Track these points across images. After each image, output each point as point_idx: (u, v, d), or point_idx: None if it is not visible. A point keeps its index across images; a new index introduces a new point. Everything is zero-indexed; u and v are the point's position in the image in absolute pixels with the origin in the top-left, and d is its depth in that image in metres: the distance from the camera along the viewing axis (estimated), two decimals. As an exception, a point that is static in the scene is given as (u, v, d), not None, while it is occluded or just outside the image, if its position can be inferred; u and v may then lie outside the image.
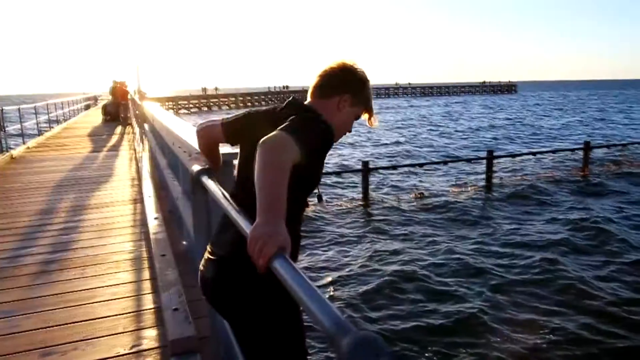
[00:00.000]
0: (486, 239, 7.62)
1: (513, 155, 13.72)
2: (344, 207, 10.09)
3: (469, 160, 12.96)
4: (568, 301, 5.32)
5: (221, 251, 1.34)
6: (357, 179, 11.47)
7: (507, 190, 10.94)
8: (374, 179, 11.53)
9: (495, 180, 11.69)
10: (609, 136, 20.96)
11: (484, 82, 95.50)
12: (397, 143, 20.04)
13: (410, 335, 4.60)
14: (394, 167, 12.68)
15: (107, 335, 2.02)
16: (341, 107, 1.50)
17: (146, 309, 2.25)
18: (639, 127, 25.47)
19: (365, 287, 5.88)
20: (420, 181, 12.17)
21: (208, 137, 1.60)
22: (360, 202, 10.51)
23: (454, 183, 11.92)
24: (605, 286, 5.69)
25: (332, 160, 16.49)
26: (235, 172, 1.46)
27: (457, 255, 6.79)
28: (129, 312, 2.23)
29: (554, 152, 13.86)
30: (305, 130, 1.22)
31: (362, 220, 9.26)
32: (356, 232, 8.37)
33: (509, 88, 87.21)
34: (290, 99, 1.49)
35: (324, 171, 1.61)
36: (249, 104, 58.81)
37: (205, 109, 53.04)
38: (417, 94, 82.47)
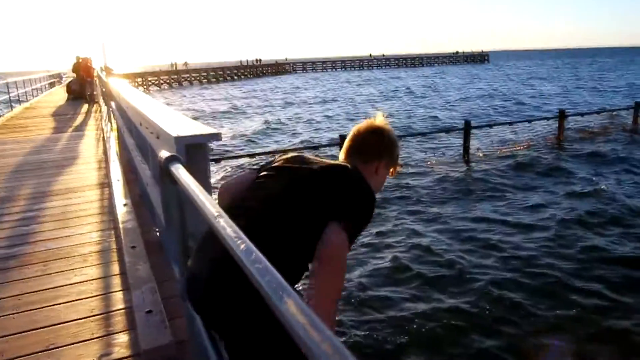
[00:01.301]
0: (462, 211, 7.57)
1: (490, 125, 13.70)
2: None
3: (447, 131, 12.88)
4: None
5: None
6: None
7: (484, 161, 10.93)
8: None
9: (472, 151, 11.65)
10: (585, 104, 21.20)
11: (457, 52, 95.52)
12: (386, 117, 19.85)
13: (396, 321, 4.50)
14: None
15: (72, 344, 1.80)
16: (379, 172, 1.65)
17: (116, 310, 2.02)
18: (613, 93, 25.79)
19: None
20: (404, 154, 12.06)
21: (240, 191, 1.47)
22: None
23: (432, 154, 11.86)
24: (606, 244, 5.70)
25: (324, 134, 16.28)
26: (257, 178, 1.47)
27: (437, 229, 6.72)
28: (98, 315, 2.00)
29: (529, 121, 13.89)
30: (361, 218, 1.39)
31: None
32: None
33: (481, 58, 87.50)
34: (337, 167, 1.50)
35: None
36: (221, 78, 57.55)
37: (176, 84, 51.71)
38: (391, 65, 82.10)
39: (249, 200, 1.40)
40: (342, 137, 10.69)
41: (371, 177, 1.63)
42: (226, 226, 0.73)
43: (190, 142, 1.57)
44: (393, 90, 33.78)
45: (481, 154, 11.73)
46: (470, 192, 8.59)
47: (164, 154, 1.27)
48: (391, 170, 1.73)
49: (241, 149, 13.80)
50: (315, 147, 12.14)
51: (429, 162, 11.13)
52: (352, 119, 19.00)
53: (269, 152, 11.70)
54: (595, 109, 15.96)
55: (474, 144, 12.03)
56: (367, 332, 4.15)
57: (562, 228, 6.48)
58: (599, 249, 5.80)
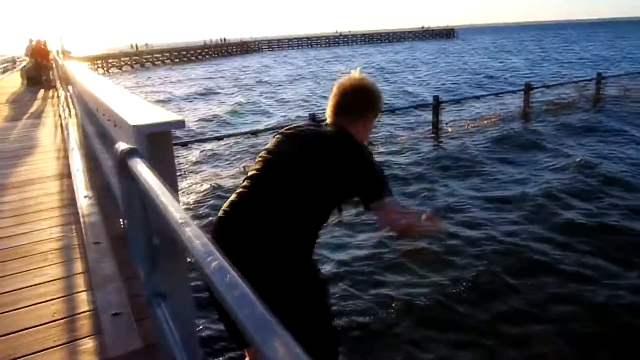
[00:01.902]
0: (433, 187, 7.59)
1: (458, 101, 13.76)
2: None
3: (416, 107, 12.88)
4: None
5: (276, 256, 1.61)
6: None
7: (454, 136, 10.99)
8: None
9: (442, 126, 11.69)
10: (551, 76, 21.52)
11: (423, 27, 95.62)
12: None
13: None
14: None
15: (33, 353, 1.66)
16: (367, 125, 1.85)
17: (81, 313, 1.88)
18: (579, 65, 26.26)
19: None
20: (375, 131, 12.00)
21: None
22: None
23: (402, 131, 11.85)
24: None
25: (296, 113, 16.03)
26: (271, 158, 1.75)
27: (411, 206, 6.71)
28: (60, 319, 1.86)
29: (497, 94, 14.02)
30: (379, 175, 1.74)
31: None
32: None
33: (448, 33, 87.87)
34: (330, 128, 1.83)
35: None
36: (185, 59, 56.08)
37: (138, 66, 50.14)
38: (358, 42, 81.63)
39: (264, 169, 1.73)
40: (312, 116, 10.55)
41: (360, 131, 1.80)
42: (193, 237, 0.62)
43: (151, 131, 1.43)
44: (363, 67, 33.54)
45: (450, 129, 11.78)
46: (442, 168, 8.62)
47: (121, 146, 1.13)
48: (376, 119, 1.90)
49: (214, 131, 13.48)
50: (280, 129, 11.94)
51: (399, 139, 11.12)
52: (324, 97, 18.79)
53: (242, 133, 11.46)
54: (561, 81, 16.21)
55: (443, 119, 12.07)
56: (353, 309, 4.11)
57: (541, 201, 6.55)
58: (580, 220, 5.88)
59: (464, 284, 4.58)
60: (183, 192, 8.15)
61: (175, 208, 0.71)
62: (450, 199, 7.02)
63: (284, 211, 1.66)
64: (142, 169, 0.94)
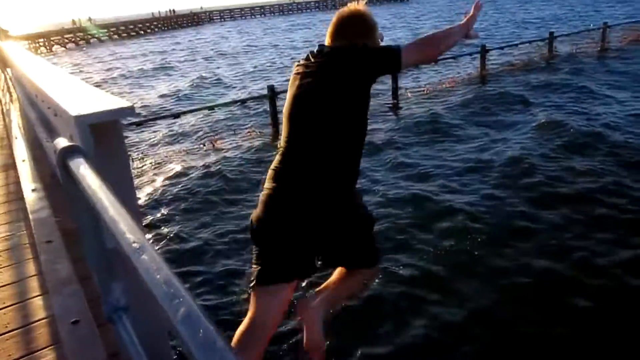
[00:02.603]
0: (402, 155, 7.58)
1: (415, 66, 13.70)
2: (254, 137, 9.65)
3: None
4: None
5: (336, 196, 1.87)
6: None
7: (415, 102, 10.98)
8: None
9: (401, 92, 11.66)
10: (509, 36, 21.70)
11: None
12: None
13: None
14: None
15: (-17, 371, 1.51)
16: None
17: (37, 321, 1.73)
18: (534, 25, 26.53)
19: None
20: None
21: None
22: (269, 128, 10.14)
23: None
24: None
25: (258, 85, 15.62)
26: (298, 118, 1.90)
27: (377, 180, 6.69)
28: (15, 330, 1.69)
29: (454, 57, 14.04)
30: (379, 46, 2.01)
31: (273, 144, 8.90)
32: (272, 158, 8.06)
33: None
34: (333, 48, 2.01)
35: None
36: (134, 33, 53.68)
37: (84, 43, 47.70)
38: (313, 8, 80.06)
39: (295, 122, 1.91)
40: (270, 88, 10.30)
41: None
42: (149, 264, 0.50)
43: (96, 122, 1.26)
44: (323, 35, 32.90)
45: (410, 95, 11.76)
46: (407, 135, 8.62)
47: (60, 143, 0.98)
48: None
49: (176, 107, 13.00)
50: (244, 101, 11.65)
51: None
52: (287, 66, 18.35)
53: (200, 109, 11.10)
54: (516, 42, 16.38)
55: (402, 85, 12.03)
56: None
57: (511, 163, 6.63)
58: (559, 178, 6.00)
59: (440, 249, 4.63)
60: (150, 176, 7.87)
61: (127, 226, 0.58)
62: (419, 164, 7.03)
63: (329, 153, 1.87)
64: (85, 173, 0.80)
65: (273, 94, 10.34)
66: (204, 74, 18.87)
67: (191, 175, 7.65)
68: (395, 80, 11.47)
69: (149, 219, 6.13)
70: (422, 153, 7.58)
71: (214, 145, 9.45)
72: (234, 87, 15.97)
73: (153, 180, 7.65)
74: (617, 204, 5.22)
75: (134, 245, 0.53)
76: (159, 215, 6.27)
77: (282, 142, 1.96)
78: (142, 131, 10.73)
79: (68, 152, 0.91)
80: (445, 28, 2.03)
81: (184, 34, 49.16)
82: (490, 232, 4.87)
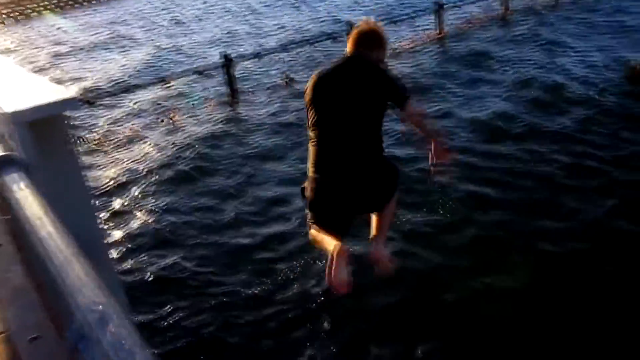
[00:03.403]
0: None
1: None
2: (213, 108, 9.38)
3: (334, 39, 12.48)
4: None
5: (370, 165, 2.50)
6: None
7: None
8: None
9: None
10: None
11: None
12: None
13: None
14: (258, 56, 11.86)
15: None
16: (380, 56, 2.61)
17: (-10, 338, 1.57)
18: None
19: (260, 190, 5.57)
20: (290, 67, 11.58)
21: None
22: (228, 98, 9.85)
23: (320, 61, 11.52)
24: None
25: (216, 53, 15.00)
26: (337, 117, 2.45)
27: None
28: (-36, 349, 1.54)
29: (412, 17, 13.88)
30: (402, 83, 2.66)
31: (231, 117, 8.68)
32: (232, 129, 7.90)
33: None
34: (355, 57, 2.54)
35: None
36: (77, 5, 50.66)
37: (23, 17, 44.69)
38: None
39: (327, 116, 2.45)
40: (225, 57, 9.94)
41: (375, 59, 2.55)
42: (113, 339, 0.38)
43: (36, 118, 1.09)
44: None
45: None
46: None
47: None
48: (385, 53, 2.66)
49: (131, 82, 12.38)
50: (200, 72, 11.21)
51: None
52: (249, 33, 17.68)
53: (155, 82, 10.64)
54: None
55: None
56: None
57: (487, 122, 6.67)
58: (540, 131, 6.16)
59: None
60: (111, 157, 7.54)
61: (70, 269, 0.46)
62: (392, 129, 6.96)
63: (360, 133, 2.47)
64: (22, 196, 0.65)
65: (228, 63, 10.00)
66: (159, 44, 18.01)
67: (153, 153, 7.40)
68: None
69: (116, 202, 5.96)
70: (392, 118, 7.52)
71: (172, 120, 9.13)
72: (192, 57, 15.31)
73: (115, 162, 7.37)
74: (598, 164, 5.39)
75: (93, 313, 0.41)
76: (126, 198, 6.08)
77: (316, 129, 2.46)
78: (97, 109, 10.23)
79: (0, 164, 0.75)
80: (431, 125, 2.82)
81: (134, 1, 46.79)
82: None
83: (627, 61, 8.09)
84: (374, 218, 2.72)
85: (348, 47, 2.55)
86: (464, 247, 4.18)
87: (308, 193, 2.53)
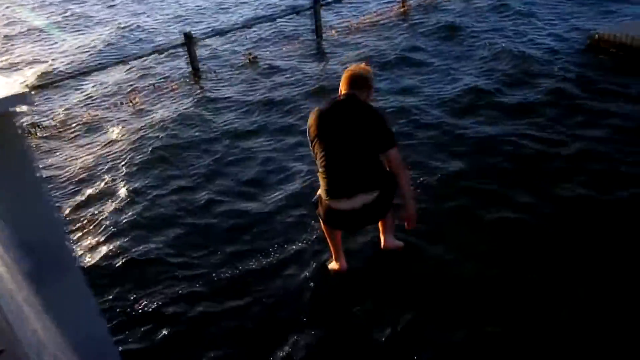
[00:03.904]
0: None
1: (339, 0, 13.25)
2: (175, 88, 9.12)
3: (297, 12, 12.24)
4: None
5: (373, 188, 2.93)
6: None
7: (342, 41, 10.71)
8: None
9: (325, 29, 11.33)
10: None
11: None
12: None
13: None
14: (220, 33, 11.55)
15: None
16: (370, 95, 3.17)
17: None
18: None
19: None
20: (254, 44, 11.34)
21: None
22: (190, 78, 9.62)
23: (284, 40, 11.33)
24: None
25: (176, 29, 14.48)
26: (335, 150, 2.90)
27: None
28: None
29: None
30: (390, 130, 3.03)
31: (195, 97, 8.46)
32: (198, 110, 7.73)
33: None
34: (350, 96, 2.99)
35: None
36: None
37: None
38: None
39: (330, 149, 2.88)
40: (186, 35, 9.64)
41: (366, 98, 3.01)
42: None
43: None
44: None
45: (335, 33, 11.41)
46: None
47: None
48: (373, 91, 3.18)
49: (90, 64, 11.87)
50: (160, 52, 10.85)
51: (284, 49, 10.61)
52: (200, 13, 17.13)
53: (114, 64, 10.22)
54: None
55: (325, 21, 11.65)
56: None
57: (462, 94, 6.71)
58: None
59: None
60: (70, 148, 7.24)
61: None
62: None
63: (361, 162, 2.91)
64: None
65: (189, 41, 9.70)
66: (117, 23, 17.26)
67: (116, 137, 7.18)
68: (318, 18, 11.06)
69: (82, 190, 5.79)
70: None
71: (133, 102, 8.83)
72: (153, 35, 14.77)
73: (77, 148, 7.11)
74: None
75: None
76: (93, 185, 5.91)
77: (324, 161, 2.92)
78: (54, 94, 9.80)
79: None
80: (407, 180, 3.12)
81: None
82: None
83: (590, 31, 8.25)
84: (380, 222, 3.43)
85: (342, 88, 3.03)
86: (437, 219, 4.22)
87: (321, 213, 3.15)
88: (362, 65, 3.16)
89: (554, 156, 5.11)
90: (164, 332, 3.56)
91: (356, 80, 3.01)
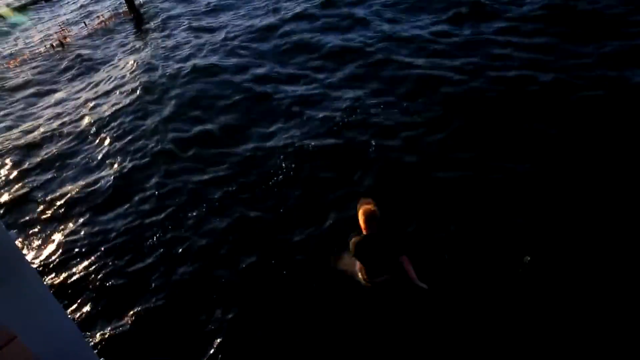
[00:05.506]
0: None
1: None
2: (108, 24, 8.45)
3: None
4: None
5: (393, 274, 3.51)
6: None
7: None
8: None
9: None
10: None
11: None
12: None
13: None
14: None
15: None
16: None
17: None
18: None
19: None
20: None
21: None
22: (124, 15, 9.15)
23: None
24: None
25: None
26: (367, 261, 3.56)
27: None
28: None
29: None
30: (407, 243, 3.70)
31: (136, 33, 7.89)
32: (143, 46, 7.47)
33: None
34: (376, 232, 3.51)
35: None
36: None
37: None
38: None
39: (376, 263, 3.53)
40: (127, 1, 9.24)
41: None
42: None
43: None
44: None
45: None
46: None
47: None
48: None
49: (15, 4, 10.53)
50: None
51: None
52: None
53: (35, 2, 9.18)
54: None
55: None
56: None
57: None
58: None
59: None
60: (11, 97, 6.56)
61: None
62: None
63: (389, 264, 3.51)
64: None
65: (127, 2, 9.12)
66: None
67: (52, 78, 6.62)
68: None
69: (27, 160, 5.44)
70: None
71: (62, 43, 8.16)
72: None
73: (14, 105, 6.53)
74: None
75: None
76: (41, 153, 5.53)
77: (363, 266, 3.56)
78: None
79: None
80: (413, 275, 3.45)
81: None
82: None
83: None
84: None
85: (362, 225, 3.46)
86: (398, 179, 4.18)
87: (351, 249, 3.57)
88: (369, 201, 3.61)
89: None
90: (164, 332, 3.54)
91: (372, 218, 3.47)
